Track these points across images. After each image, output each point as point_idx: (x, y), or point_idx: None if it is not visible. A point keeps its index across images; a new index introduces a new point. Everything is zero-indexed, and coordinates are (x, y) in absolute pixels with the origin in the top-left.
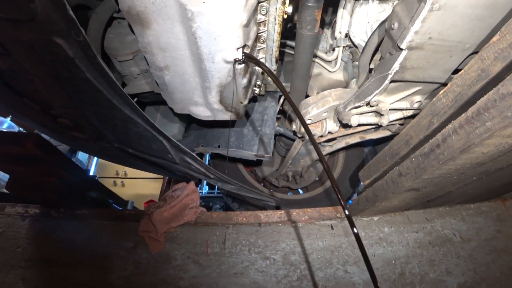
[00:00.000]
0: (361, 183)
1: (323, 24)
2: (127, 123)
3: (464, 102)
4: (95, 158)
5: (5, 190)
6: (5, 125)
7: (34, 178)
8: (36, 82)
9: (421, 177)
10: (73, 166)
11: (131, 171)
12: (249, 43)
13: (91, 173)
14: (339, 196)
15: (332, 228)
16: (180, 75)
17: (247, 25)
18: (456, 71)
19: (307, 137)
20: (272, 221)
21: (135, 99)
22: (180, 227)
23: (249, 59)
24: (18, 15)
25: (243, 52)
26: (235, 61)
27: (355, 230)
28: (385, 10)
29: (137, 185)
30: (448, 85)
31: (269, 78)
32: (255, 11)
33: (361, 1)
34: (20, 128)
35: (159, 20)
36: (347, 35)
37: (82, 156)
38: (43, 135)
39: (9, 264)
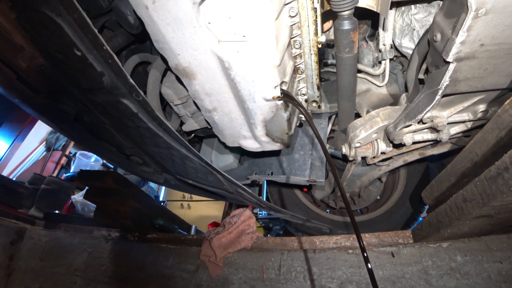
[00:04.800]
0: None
1: (367, 36)
2: (185, 160)
3: None
4: None
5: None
6: (92, 159)
7: (113, 207)
8: (111, 130)
9: (489, 204)
10: (144, 196)
11: None
12: (286, 78)
13: (161, 198)
14: (354, 223)
15: (393, 256)
16: (227, 114)
17: (281, 64)
18: None
19: (359, 159)
20: (328, 247)
21: (193, 134)
22: (237, 252)
23: (286, 97)
24: (94, 85)
25: (281, 90)
26: (274, 98)
27: (369, 265)
28: (431, 14)
29: (201, 207)
30: None
31: (313, 104)
32: (288, 47)
33: (403, 8)
34: (104, 161)
35: (202, 72)
36: (392, 46)
37: (153, 183)
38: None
39: (96, 280)
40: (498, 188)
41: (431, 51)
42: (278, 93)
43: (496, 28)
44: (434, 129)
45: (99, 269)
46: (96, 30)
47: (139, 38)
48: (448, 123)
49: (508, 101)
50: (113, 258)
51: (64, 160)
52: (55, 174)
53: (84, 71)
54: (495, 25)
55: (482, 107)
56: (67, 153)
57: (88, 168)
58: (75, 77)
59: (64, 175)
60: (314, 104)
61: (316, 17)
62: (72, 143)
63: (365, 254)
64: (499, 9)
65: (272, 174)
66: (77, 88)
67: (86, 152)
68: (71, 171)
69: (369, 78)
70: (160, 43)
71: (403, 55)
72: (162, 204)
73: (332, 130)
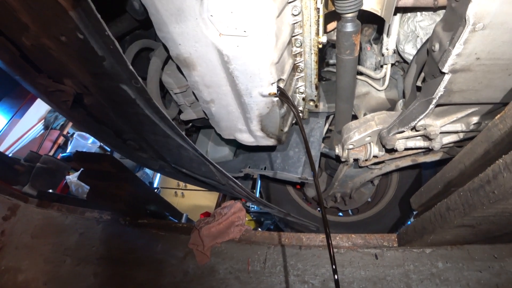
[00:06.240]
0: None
1: (372, 39)
2: (180, 149)
3: None
4: None
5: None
6: (90, 140)
7: (108, 190)
8: (110, 114)
9: (470, 215)
10: (138, 182)
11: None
12: (284, 76)
13: (155, 184)
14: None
15: (377, 258)
16: (224, 106)
17: (279, 62)
18: None
19: (351, 160)
20: (314, 244)
21: (190, 124)
22: (225, 243)
23: (282, 96)
24: (95, 69)
25: (278, 87)
26: (271, 95)
27: (335, 276)
28: (436, 22)
29: (195, 196)
30: (505, 108)
31: (311, 103)
32: (288, 45)
33: (409, 14)
34: (101, 143)
35: (202, 63)
36: (395, 51)
37: (148, 170)
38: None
39: (86, 260)
40: (479, 199)
41: (429, 60)
42: (274, 90)
43: (493, 43)
44: (426, 137)
45: (90, 250)
46: (99, 16)
47: (143, 24)
48: (441, 132)
49: (498, 115)
50: (104, 240)
51: (61, 140)
52: (51, 153)
53: (86, 55)
54: (491, 40)
55: (475, 119)
56: (65, 133)
57: (85, 150)
58: (77, 60)
59: (61, 155)
60: (311, 103)
61: (319, 17)
62: (70, 123)
63: (334, 267)
64: (497, 25)
65: (265, 168)
66: (79, 70)
67: (84, 134)
68: (68, 151)
69: (370, 81)
70: (163, 32)
71: (405, 61)
72: (156, 190)
73: (329, 130)
